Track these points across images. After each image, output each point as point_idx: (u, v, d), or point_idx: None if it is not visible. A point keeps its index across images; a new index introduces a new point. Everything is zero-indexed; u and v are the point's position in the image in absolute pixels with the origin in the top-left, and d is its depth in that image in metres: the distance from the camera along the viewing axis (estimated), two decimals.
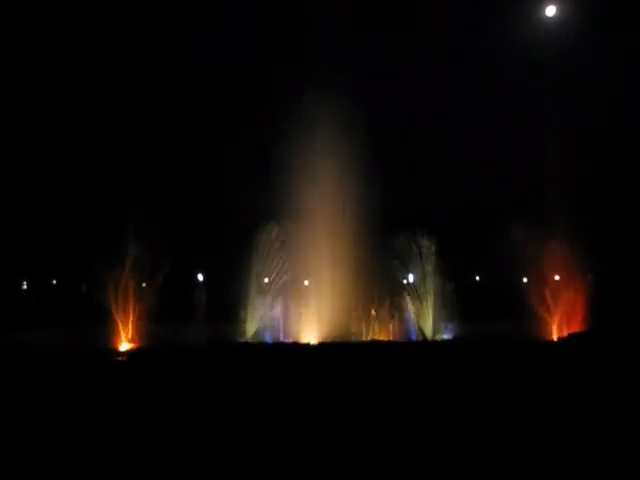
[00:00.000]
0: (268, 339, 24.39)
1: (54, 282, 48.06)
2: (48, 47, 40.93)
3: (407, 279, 27.19)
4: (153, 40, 40.83)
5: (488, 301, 30.95)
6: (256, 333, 24.99)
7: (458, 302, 25.60)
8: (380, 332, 25.00)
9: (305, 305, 25.01)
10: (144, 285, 24.74)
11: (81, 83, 42.12)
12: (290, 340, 23.60)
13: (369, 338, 24.19)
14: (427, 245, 26.57)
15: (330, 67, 27.30)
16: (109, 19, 40.69)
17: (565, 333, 23.85)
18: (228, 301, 25.77)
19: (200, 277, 42.26)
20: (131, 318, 23.90)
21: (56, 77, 41.95)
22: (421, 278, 26.54)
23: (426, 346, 22.73)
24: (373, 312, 25.48)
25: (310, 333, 23.86)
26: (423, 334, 25.62)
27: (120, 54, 41.79)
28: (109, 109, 42.15)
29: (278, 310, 25.35)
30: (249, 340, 24.18)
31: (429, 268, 26.47)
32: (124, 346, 23.16)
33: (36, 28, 40.53)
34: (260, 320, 25.52)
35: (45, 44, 40.84)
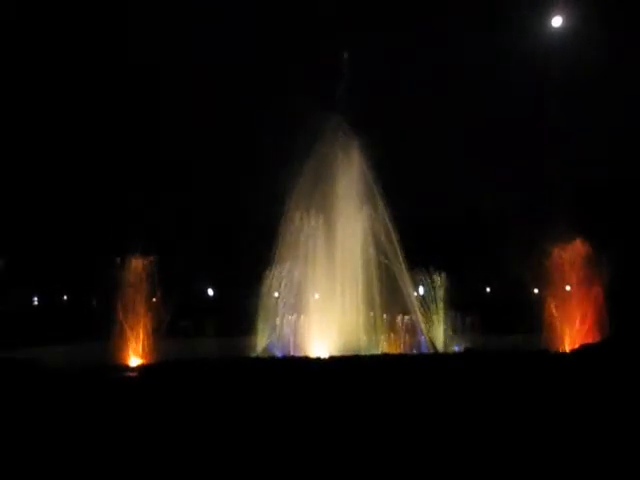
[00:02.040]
0: (279, 353, 24.35)
1: (65, 297, 48.28)
2: (50, 50, 41.13)
3: (417, 291, 27.15)
4: (153, 40, 40.98)
5: (499, 313, 30.82)
6: (267, 347, 24.96)
7: (469, 314, 25.53)
8: (391, 345, 24.93)
9: (316, 319, 24.97)
10: (154, 300, 24.77)
11: (79, 84, 42.27)
12: (301, 354, 23.54)
13: (380, 351, 24.10)
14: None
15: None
16: (109, 19, 40.82)
17: (577, 344, 23.66)
18: (239, 315, 25.76)
19: (210, 292, 42.35)
20: (142, 333, 23.90)
21: (54, 80, 42.10)
22: (431, 291, 26.50)
23: (437, 359, 22.59)
24: (384, 325, 25.45)
25: (321, 347, 23.81)
26: (434, 347, 25.52)
27: (120, 52, 41.86)
28: (109, 111, 42.25)
29: (289, 324, 25.32)
30: (260, 354, 24.13)
31: (439, 280, 26.46)
32: (135, 361, 23.15)
33: (36, 30, 40.73)
34: (271, 334, 25.50)
35: (47, 47, 41.03)
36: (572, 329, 24.42)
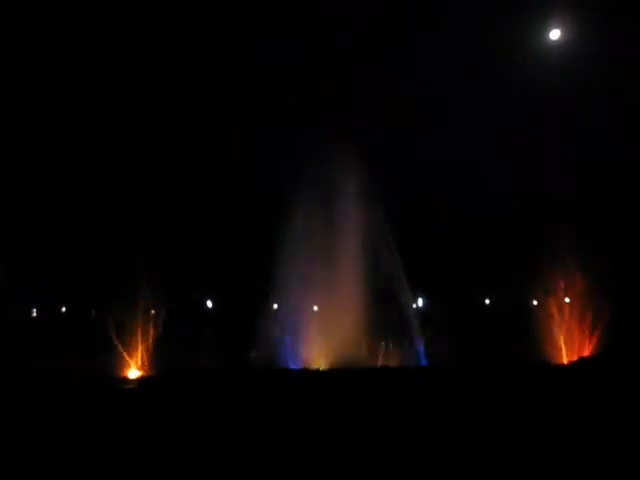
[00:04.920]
0: (277, 365, 24.33)
1: (63, 309, 48.18)
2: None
3: (416, 304, 27.16)
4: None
5: (498, 324, 30.85)
6: (266, 359, 24.94)
7: (468, 326, 25.56)
8: (390, 357, 24.91)
9: (314, 331, 24.96)
10: (153, 312, 24.77)
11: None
12: (300, 366, 23.55)
13: (379, 363, 24.09)
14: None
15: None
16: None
17: (575, 356, 23.70)
18: (237, 327, 25.76)
19: (209, 304, 42.31)
20: (140, 345, 23.89)
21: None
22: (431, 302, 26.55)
23: (437, 371, 22.59)
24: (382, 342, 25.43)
25: (319, 359, 23.80)
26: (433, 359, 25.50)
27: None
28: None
29: (288, 336, 25.30)
30: (259, 366, 24.11)
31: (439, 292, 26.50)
32: (133, 373, 23.14)
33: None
34: (270, 346, 25.47)
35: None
36: (570, 341, 24.45)
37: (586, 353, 23.57)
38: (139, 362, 23.63)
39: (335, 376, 19.88)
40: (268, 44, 39.60)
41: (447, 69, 44.30)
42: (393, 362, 24.59)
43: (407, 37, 41.63)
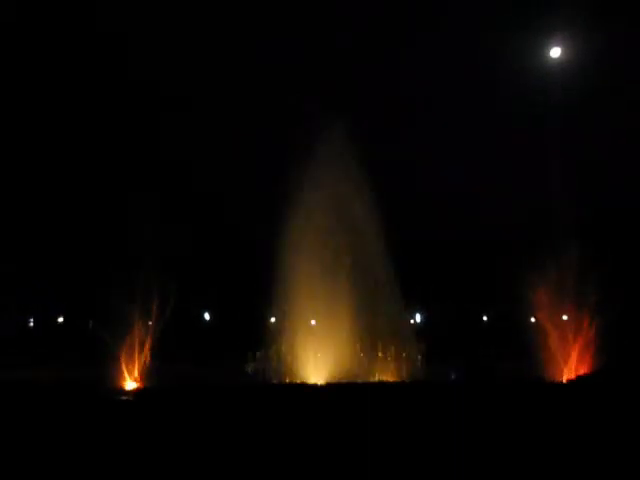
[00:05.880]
0: (275, 379, 24.26)
1: (60, 319, 48.08)
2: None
3: (414, 319, 27.12)
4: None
5: (495, 341, 30.80)
6: (262, 373, 24.87)
7: (465, 342, 25.50)
8: (387, 372, 24.84)
9: (312, 345, 24.90)
10: (150, 323, 24.71)
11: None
12: (297, 380, 23.48)
13: (376, 378, 24.02)
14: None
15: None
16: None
17: (573, 374, 23.63)
18: (235, 340, 25.69)
19: (207, 316, 42.21)
20: (137, 356, 23.81)
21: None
22: (428, 318, 26.51)
23: (434, 387, 22.51)
24: (380, 353, 25.33)
25: (317, 374, 23.72)
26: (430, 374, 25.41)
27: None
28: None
29: (285, 349, 25.23)
30: (256, 381, 24.05)
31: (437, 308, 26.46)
32: (130, 385, 23.06)
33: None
34: (266, 360, 25.41)
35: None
36: (568, 358, 24.38)
37: (584, 371, 23.51)
38: (136, 374, 23.56)
39: (333, 391, 19.81)
40: (268, 44, 39.74)
41: (447, 69, 44.24)
42: (390, 377, 24.53)
43: (407, 37, 41.71)
